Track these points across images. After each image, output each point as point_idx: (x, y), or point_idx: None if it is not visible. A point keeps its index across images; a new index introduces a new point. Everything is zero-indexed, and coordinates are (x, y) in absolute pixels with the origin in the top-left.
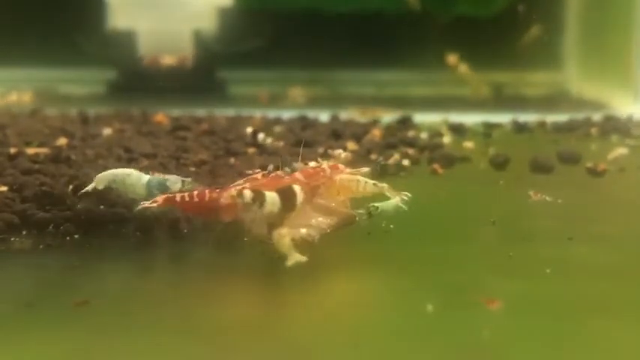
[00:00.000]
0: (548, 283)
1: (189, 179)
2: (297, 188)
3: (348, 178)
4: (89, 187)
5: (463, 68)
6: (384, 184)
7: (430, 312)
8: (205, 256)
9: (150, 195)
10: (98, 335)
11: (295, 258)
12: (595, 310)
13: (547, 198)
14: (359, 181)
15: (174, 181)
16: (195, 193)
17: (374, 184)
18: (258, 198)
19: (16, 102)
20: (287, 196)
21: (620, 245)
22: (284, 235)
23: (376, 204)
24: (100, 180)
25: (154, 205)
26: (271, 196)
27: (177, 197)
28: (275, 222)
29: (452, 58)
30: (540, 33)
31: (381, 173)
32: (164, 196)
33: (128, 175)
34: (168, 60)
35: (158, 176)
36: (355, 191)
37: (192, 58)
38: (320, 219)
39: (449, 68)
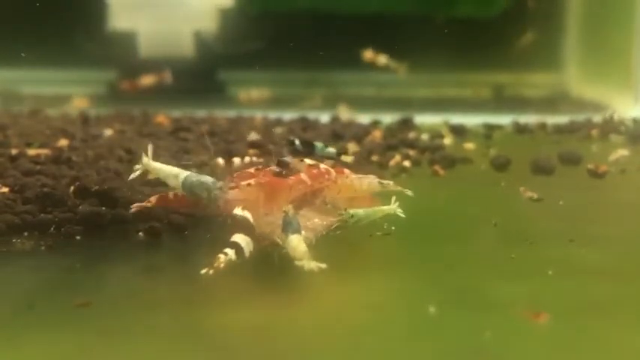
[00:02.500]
0: (550, 284)
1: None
2: (239, 212)
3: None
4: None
5: (383, 59)
6: (390, 182)
7: (432, 314)
8: (208, 257)
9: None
10: (99, 337)
11: (311, 265)
12: (597, 311)
13: (534, 196)
14: (362, 179)
15: (206, 187)
16: None
17: (379, 182)
18: (235, 247)
19: (77, 106)
20: (246, 229)
21: (621, 247)
22: (299, 242)
23: (357, 210)
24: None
25: (148, 204)
26: (244, 240)
27: (171, 195)
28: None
29: (368, 54)
30: (534, 37)
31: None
32: (157, 195)
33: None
34: (147, 80)
35: (195, 176)
36: (359, 190)
37: (192, 60)
38: (316, 220)
39: (369, 64)
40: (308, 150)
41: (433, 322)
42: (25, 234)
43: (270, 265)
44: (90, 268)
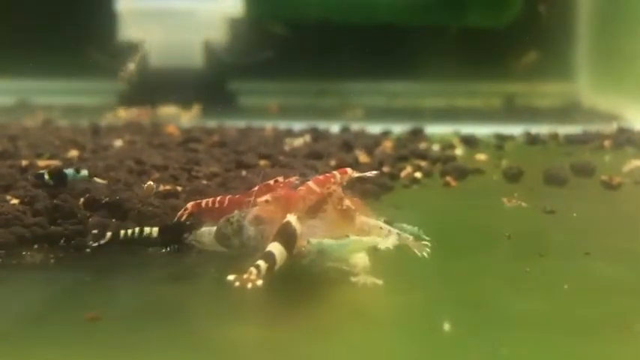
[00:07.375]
0: (565, 299)
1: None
2: (293, 220)
3: (372, 224)
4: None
5: None
6: (409, 237)
7: (448, 330)
8: (219, 271)
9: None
10: (110, 350)
11: (367, 281)
12: (615, 326)
13: (523, 204)
14: (382, 228)
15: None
16: (218, 199)
17: (398, 234)
18: (269, 261)
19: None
20: (288, 238)
21: (638, 260)
22: (362, 257)
23: (329, 241)
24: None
25: (186, 213)
26: (279, 251)
27: (203, 203)
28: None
29: None
30: (546, 47)
31: None
32: (192, 203)
33: (208, 234)
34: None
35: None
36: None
37: (202, 70)
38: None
39: None
40: (59, 181)
41: (449, 339)
42: (35, 246)
43: (277, 274)
44: (100, 281)
